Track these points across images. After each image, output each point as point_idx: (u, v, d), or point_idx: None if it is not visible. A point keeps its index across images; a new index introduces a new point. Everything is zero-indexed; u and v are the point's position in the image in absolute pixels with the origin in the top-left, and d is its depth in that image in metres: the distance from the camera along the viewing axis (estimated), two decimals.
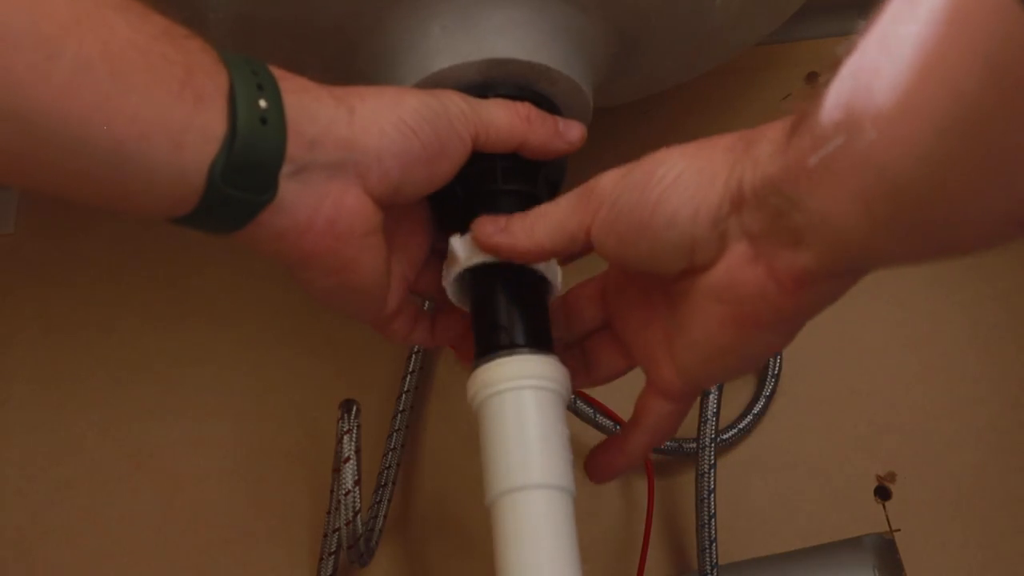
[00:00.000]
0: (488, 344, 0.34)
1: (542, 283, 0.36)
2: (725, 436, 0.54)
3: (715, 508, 0.49)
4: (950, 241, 0.24)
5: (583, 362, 0.37)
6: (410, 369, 0.55)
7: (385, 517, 0.51)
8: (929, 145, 0.22)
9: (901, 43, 0.22)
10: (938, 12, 0.20)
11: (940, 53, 0.21)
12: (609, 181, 0.32)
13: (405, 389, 0.54)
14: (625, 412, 0.52)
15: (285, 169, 0.29)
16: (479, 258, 0.34)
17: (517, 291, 0.35)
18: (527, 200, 0.36)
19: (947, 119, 0.21)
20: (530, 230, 0.34)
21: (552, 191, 0.38)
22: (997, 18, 0.19)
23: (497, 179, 0.36)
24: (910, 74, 0.22)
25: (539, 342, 0.34)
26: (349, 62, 0.41)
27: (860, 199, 0.24)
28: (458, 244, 0.35)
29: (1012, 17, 0.18)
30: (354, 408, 0.46)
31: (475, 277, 0.36)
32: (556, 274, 0.36)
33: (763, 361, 0.32)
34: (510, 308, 0.35)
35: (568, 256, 0.35)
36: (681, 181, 0.29)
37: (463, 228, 0.36)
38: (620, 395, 0.55)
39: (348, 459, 0.45)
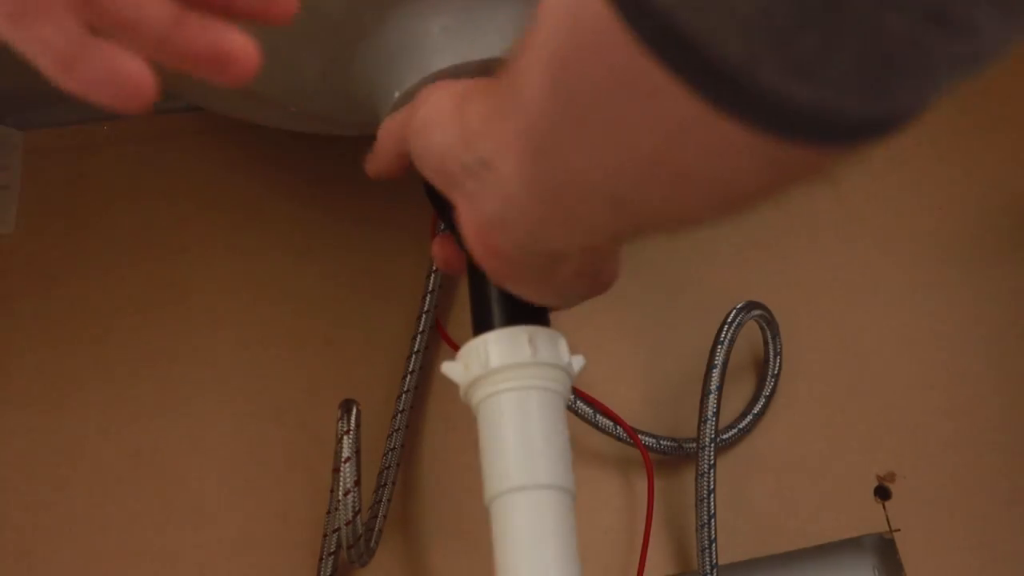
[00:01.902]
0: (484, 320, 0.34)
1: None
2: (725, 436, 0.54)
3: (715, 508, 0.49)
4: (580, 221, 0.27)
5: None
6: (410, 369, 0.55)
7: (385, 517, 0.51)
8: (543, 107, 0.24)
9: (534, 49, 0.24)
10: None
11: (546, 18, 0.23)
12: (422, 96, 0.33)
13: (405, 389, 0.54)
14: (625, 412, 0.52)
15: None
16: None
17: None
18: None
19: (545, 83, 0.23)
20: (378, 149, 0.36)
21: None
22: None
23: None
24: (534, 40, 0.23)
25: (534, 314, 0.34)
26: (349, 62, 0.41)
27: (518, 159, 0.26)
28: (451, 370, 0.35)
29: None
30: (354, 408, 0.46)
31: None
32: None
33: (556, 302, 0.35)
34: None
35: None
36: (430, 122, 0.31)
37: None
38: (620, 395, 0.56)
39: (348, 459, 0.45)
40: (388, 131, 0.36)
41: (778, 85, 0.18)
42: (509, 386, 0.33)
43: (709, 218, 0.25)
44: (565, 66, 0.22)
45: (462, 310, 0.59)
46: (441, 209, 0.39)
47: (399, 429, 0.53)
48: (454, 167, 0.30)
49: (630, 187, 0.23)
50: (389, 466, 0.52)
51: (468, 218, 0.30)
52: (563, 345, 0.35)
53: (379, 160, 0.37)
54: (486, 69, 0.38)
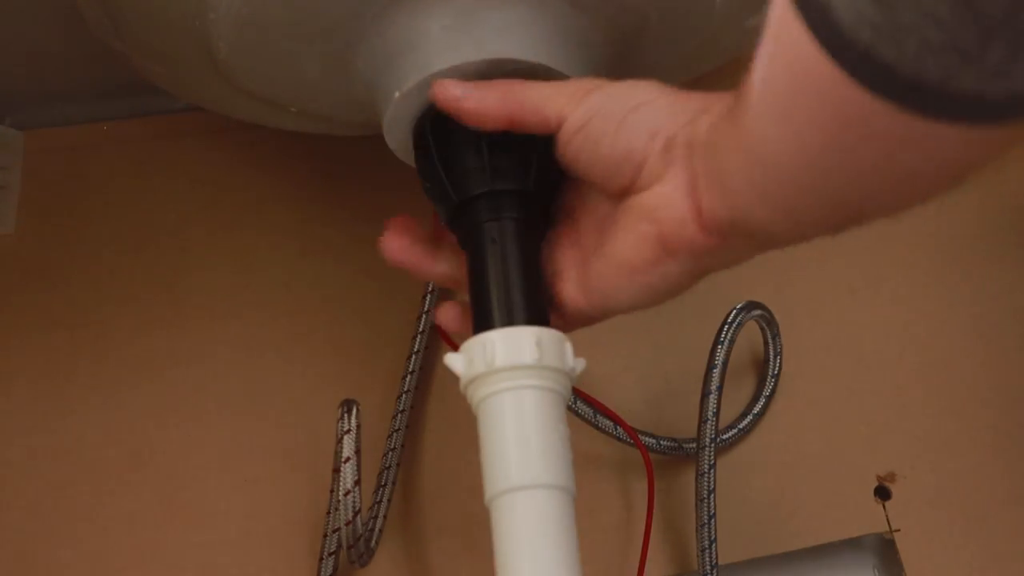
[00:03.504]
0: (485, 319, 0.34)
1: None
2: (725, 436, 0.54)
3: (715, 508, 0.49)
4: (807, 218, 0.29)
5: None
6: (410, 369, 0.55)
7: (385, 517, 0.51)
8: (772, 125, 0.26)
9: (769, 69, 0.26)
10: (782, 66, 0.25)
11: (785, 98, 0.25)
12: (591, 85, 0.34)
13: (405, 389, 0.54)
14: (625, 412, 0.52)
15: None
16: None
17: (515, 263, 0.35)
18: (520, 198, 0.36)
19: (777, 107, 0.26)
20: (506, 94, 0.35)
21: (551, 189, 0.38)
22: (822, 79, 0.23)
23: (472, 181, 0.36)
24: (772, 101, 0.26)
25: (536, 315, 0.34)
26: (349, 62, 0.41)
27: (744, 162, 0.29)
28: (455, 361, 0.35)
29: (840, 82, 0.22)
30: (354, 408, 0.46)
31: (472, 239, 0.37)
32: None
33: (660, 297, 0.35)
34: (506, 281, 0.35)
35: (524, 131, 0.36)
36: (654, 104, 0.33)
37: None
38: (621, 395, 0.56)
39: (348, 459, 0.45)
40: (519, 88, 0.35)
41: (978, 90, 0.20)
42: (511, 385, 0.33)
43: (918, 204, 0.27)
44: (788, 105, 0.25)
45: None
46: (441, 208, 0.39)
47: (399, 429, 0.53)
48: (681, 150, 0.31)
49: (856, 194, 0.27)
50: (389, 466, 0.52)
51: (690, 191, 0.31)
52: (568, 348, 0.35)
53: (479, 105, 0.35)
54: (486, 69, 0.38)
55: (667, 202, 0.32)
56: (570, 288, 0.36)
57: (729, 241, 0.32)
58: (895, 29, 0.20)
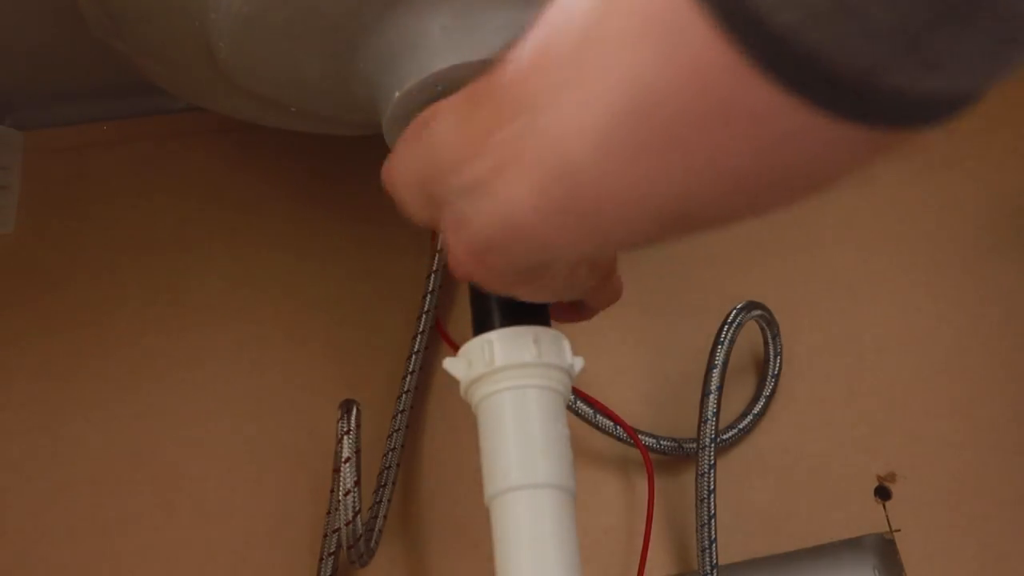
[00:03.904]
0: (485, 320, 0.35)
1: None
2: (725, 436, 0.54)
3: (715, 508, 0.49)
4: (618, 235, 0.25)
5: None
6: (410, 369, 0.55)
7: (385, 517, 0.51)
8: (601, 129, 0.22)
9: (578, 17, 0.22)
10: None
11: (616, 36, 0.21)
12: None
13: (405, 389, 0.54)
14: (625, 413, 0.52)
15: None
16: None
17: None
18: None
19: (618, 104, 0.21)
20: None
21: None
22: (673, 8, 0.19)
23: None
24: (589, 56, 0.21)
25: (535, 314, 0.34)
26: (349, 62, 0.41)
27: (535, 183, 0.24)
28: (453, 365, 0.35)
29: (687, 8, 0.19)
30: (354, 408, 0.46)
31: None
32: None
33: (560, 296, 0.34)
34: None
35: None
36: (396, 172, 0.31)
37: None
38: (620, 395, 0.56)
39: (348, 459, 0.45)
40: (391, 171, 0.32)
41: (903, 84, 0.18)
42: (510, 384, 0.33)
43: (775, 211, 0.24)
44: (641, 93, 0.21)
45: (462, 310, 0.59)
46: None
47: (399, 429, 0.53)
48: (439, 193, 0.28)
49: (698, 202, 0.23)
50: (389, 466, 0.52)
51: (458, 239, 0.28)
52: (566, 346, 0.35)
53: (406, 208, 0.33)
54: (486, 69, 0.38)
55: (452, 257, 0.29)
56: None
57: (495, 260, 0.29)
58: (833, 8, 0.17)
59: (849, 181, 0.22)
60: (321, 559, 0.49)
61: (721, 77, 0.19)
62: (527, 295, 0.32)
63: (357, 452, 0.46)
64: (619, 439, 0.52)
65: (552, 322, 0.36)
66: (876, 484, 0.55)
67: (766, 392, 0.56)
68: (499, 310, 0.35)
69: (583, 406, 0.51)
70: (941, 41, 0.17)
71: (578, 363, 0.35)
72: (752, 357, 0.58)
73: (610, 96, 0.21)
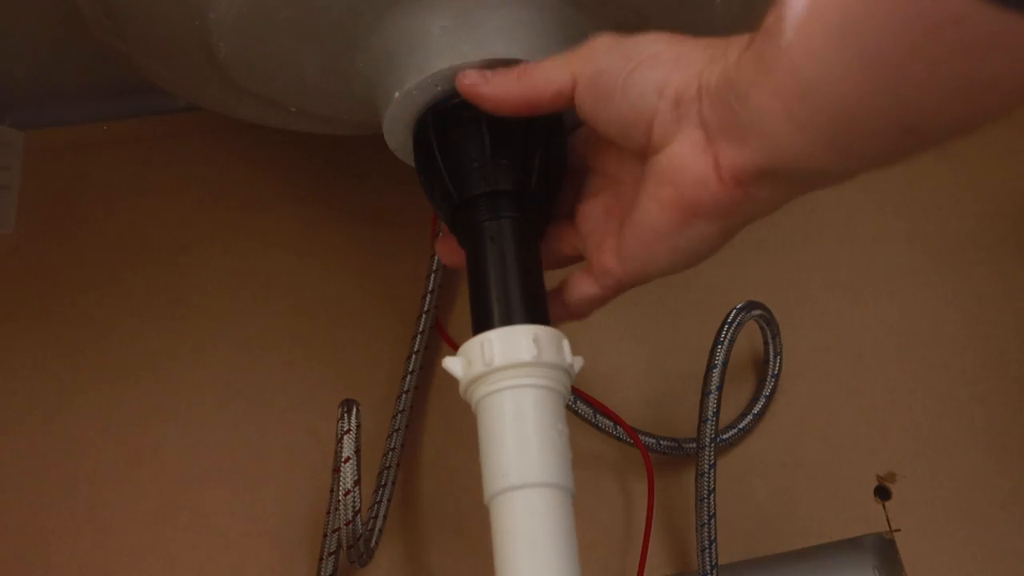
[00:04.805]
0: (484, 319, 0.34)
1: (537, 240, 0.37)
2: (725, 436, 0.54)
3: (715, 508, 0.49)
4: (862, 149, 0.27)
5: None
6: (410, 369, 0.55)
7: (385, 517, 0.51)
8: (829, 48, 0.25)
9: None
10: None
11: None
12: (601, 43, 0.34)
13: (405, 389, 0.54)
14: (625, 413, 0.52)
15: None
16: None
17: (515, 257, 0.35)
18: (520, 198, 0.36)
19: (842, 25, 0.24)
20: (520, 75, 0.35)
21: (552, 188, 0.38)
22: None
23: (472, 182, 0.37)
24: None
25: (536, 314, 0.34)
26: (349, 62, 0.41)
27: (781, 98, 0.27)
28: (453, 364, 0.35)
29: None
30: (354, 408, 0.46)
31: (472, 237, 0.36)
32: None
33: (695, 258, 0.34)
34: (505, 281, 0.35)
35: (546, 110, 0.35)
36: (660, 58, 0.32)
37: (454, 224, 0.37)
38: (620, 395, 0.56)
39: (348, 459, 0.45)
40: (551, 66, 0.34)
41: None
42: (510, 384, 0.33)
43: (992, 121, 0.25)
44: (851, 19, 0.23)
45: (462, 310, 0.59)
46: (441, 208, 0.39)
47: (399, 429, 0.53)
48: (691, 105, 0.30)
49: (922, 113, 0.25)
50: (389, 466, 0.52)
51: (706, 148, 0.30)
52: (566, 345, 0.35)
53: (522, 87, 0.35)
54: (486, 69, 0.38)
55: (682, 163, 0.31)
56: (608, 259, 0.35)
57: (760, 191, 0.30)
58: None
59: None
60: (321, 559, 0.49)
61: None
62: (707, 235, 0.32)
63: (357, 452, 0.46)
64: (619, 439, 0.52)
65: (552, 321, 0.36)
66: (876, 484, 0.55)
67: (766, 392, 0.56)
68: (499, 309, 0.35)
69: (583, 406, 0.51)
70: None
71: (578, 363, 0.35)
72: (752, 357, 0.58)
73: (826, 15, 0.24)
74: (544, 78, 0.34)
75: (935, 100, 0.24)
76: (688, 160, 0.31)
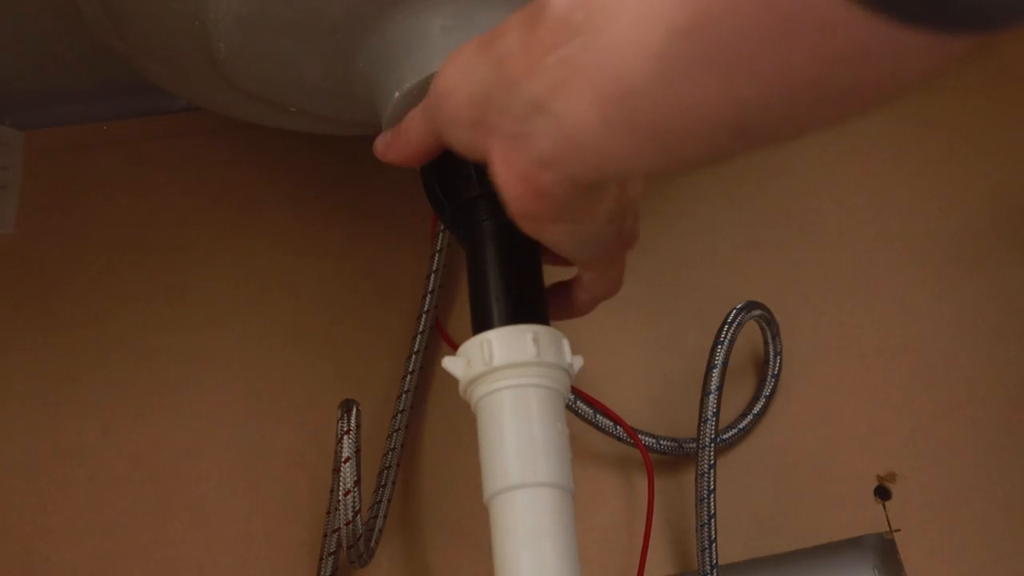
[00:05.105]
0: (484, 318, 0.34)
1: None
2: (725, 436, 0.54)
3: (715, 508, 0.49)
4: (681, 151, 0.25)
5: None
6: (410, 369, 0.55)
7: (385, 517, 0.51)
8: (660, 45, 0.22)
9: None
10: None
11: None
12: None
13: (405, 389, 0.54)
14: (625, 413, 0.52)
15: None
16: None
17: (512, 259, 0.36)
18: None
19: (677, 21, 0.22)
20: (404, 135, 0.36)
21: None
22: None
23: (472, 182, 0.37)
24: None
25: (536, 314, 0.34)
26: (349, 62, 0.41)
27: (596, 101, 0.25)
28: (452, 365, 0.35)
29: None
30: (354, 408, 0.46)
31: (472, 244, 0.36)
32: None
33: (586, 251, 0.34)
34: (504, 281, 0.35)
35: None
36: (453, 79, 0.31)
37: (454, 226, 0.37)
38: (620, 395, 0.56)
39: (348, 459, 0.45)
40: (412, 116, 0.35)
41: None
42: (510, 383, 0.33)
43: (840, 123, 0.24)
44: (702, 7, 0.21)
45: (462, 310, 0.59)
46: (441, 208, 0.39)
47: (399, 429, 0.53)
48: (491, 116, 0.28)
49: (763, 117, 0.23)
50: (389, 466, 0.52)
51: (510, 161, 0.29)
52: (565, 345, 0.35)
53: (403, 145, 0.36)
54: None
55: (498, 179, 0.29)
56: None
57: (565, 190, 0.29)
58: None
59: (914, 89, 0.22)
60: (321, 559, 0.49)
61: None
62: (564, 237, 0.32)
63: (357, 452, 0.46)
64: (619, 439, 0.52)
65: (552, 321, 0.36)
66: (876, 484, 0.55)
67: (766, 392, 0.56)
68: (498, 309, 0.35)
69: (583, 406, 0.51)
70: None
71: (578, 362, 0.35)
72: (752, 357, 0.58)
73: (670, 12, 0.22)
74: (419, 139, 0.35)
75: (782, 105, 0.22)
76: (501, 177, 0.30)
